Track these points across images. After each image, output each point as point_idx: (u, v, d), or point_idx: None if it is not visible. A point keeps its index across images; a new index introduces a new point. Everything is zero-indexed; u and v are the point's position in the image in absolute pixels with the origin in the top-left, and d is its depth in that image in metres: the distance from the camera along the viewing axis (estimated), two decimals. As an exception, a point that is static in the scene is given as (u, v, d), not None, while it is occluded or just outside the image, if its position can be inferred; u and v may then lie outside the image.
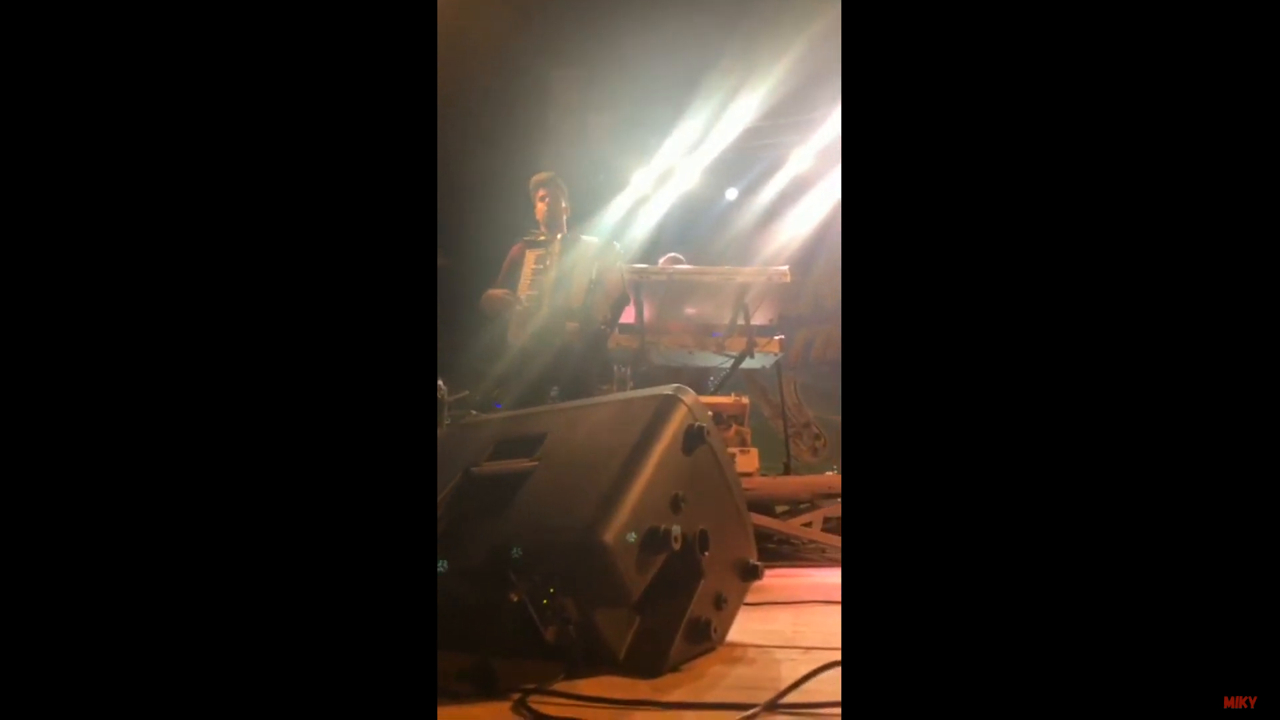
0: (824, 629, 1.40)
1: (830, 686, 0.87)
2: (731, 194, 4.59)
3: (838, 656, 0.92)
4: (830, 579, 2.17)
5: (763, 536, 2.91)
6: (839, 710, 0.82)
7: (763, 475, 2.75)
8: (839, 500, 2.82)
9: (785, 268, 3.03)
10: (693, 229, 4.53)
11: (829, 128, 4.02)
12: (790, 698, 0.85)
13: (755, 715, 0.81)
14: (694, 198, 4.56)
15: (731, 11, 3.32)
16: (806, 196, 4.41)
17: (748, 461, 2.68)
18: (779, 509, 2.93)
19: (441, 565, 1.10)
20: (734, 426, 2.75)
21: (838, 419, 4.37)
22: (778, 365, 3.24)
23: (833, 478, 3.02)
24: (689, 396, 1.21)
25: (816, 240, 4.44)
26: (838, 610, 1.62)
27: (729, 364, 3.07)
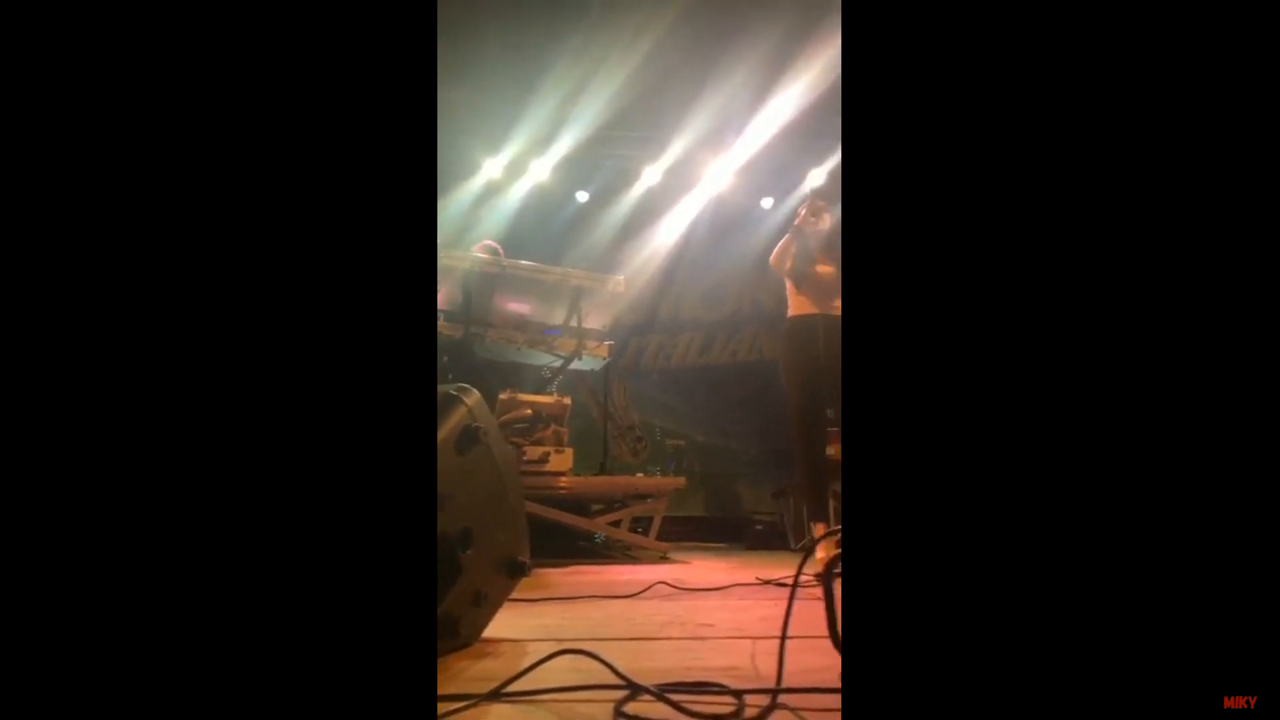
0: (589, 621, 1.50)
1: (557, 675, 0.95)
2: (582, 196, 4.68)
3: (590, 648, 0.99)
4: (622, 576, 2.30)
5: (574, 535, 3.01)
6: (562, 695, 0.89)
7: (577, 475, 2.83)
8: (647, 500, 3.00)
9: (622, 278, 3.16)
10: (545, 223, 4.56)
11: (676, 148, 4.27)
12: (520, 685, 0.91)
13: (475, 704, 0.86)
14: (546, 194, 4.58)
15: (566, 17, 3.38)
16: (655, 210, 4.64)
17: (562, 461, 2.75)
18: (595, 507, 3.05)
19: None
20: (552, 426, 2.81)
21: (663, 424, 4.65)
22: (605, 369, 3.37)
23: (642, 479, 3.20)
24: (471, 397, 1.24)
25: (661, 253, 4.67)
26: (608, 604, 1.73)
27: (558, 363, 3.12)
